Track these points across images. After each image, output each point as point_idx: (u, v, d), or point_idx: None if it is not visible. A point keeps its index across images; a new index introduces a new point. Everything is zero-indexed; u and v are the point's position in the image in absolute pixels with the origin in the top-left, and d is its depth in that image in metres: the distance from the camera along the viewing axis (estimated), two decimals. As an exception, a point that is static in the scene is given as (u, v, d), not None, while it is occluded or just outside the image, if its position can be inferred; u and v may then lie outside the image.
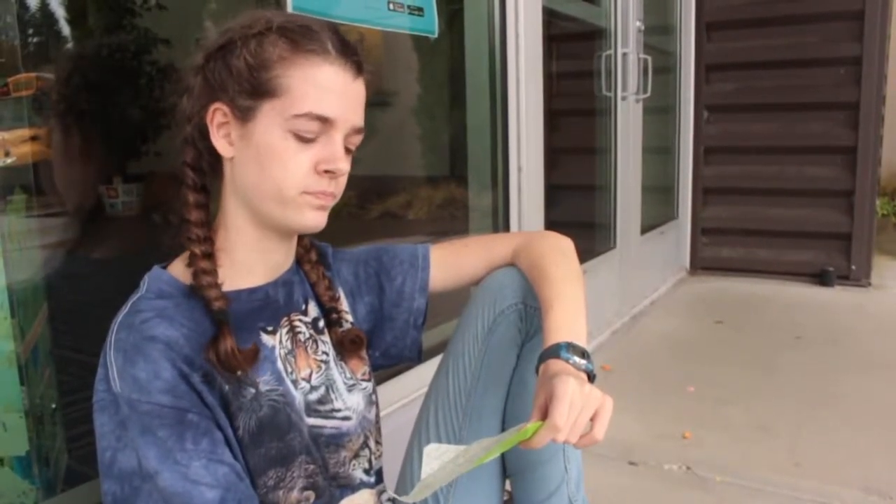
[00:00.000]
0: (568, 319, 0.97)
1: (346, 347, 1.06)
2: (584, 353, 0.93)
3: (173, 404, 0.83)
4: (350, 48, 0.90)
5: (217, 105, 0.88)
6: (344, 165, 0.90)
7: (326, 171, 0.89)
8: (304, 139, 0.87)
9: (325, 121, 0.88)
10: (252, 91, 0.87)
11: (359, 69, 0.91)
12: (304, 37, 0.87)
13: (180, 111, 0.92)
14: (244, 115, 0.88)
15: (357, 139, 0.94)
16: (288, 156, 0.87)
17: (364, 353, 1.10)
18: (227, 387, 0.89)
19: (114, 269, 1.34)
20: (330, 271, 1.09)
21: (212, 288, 0.89)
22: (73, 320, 1.27)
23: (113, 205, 1.54)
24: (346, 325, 1.08)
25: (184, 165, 0.92)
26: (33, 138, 1.26)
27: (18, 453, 1.11)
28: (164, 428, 0.83)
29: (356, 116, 0.92)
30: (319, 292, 1.05)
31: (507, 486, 1.15)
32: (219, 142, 0.89)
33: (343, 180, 0.94)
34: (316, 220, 0.92)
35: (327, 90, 0.87)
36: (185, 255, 0.92)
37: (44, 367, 1.19)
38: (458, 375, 1.12)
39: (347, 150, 0.92)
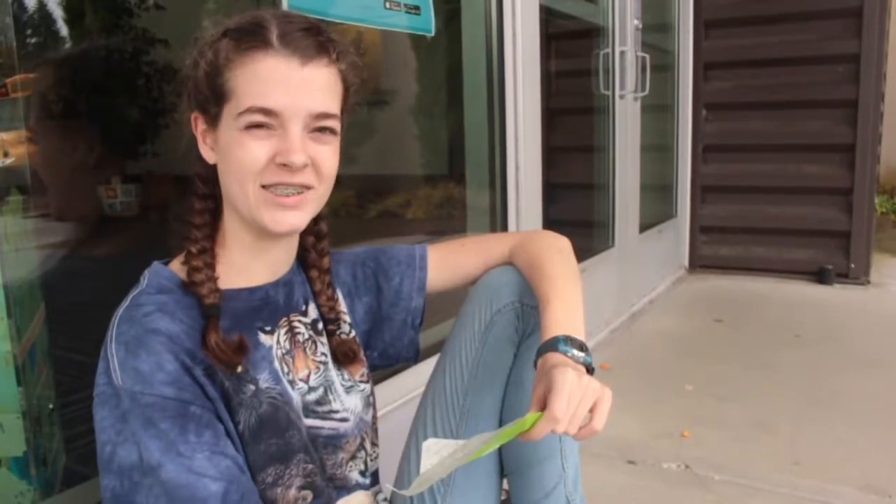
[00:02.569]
0: (566, 314, 0.97)
1: (339, 360, 1.06)
2: (582, 346, 0.93)
3: (176, 396, 0.83)
4: (299, 35, 0.87)
5: (195, 114, 0.92)
6: (297, 158, 0.86)
7: (284, 164, 0.87)
8: (258, 134, 0.86)
9: (269, 113, 0.86)
10: (214, 98, 0.88)
11: (310, 54, 0.87)
12: (247, 34, 0.87)
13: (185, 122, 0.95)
14: (213, 122, 0.90)
15: (328, 123, 0.90)
16: (243, 152, 0.87)
17: (361, 356, 1.10)
18: (227, 382, 0.89)
19: (112, 268, 1.34)
20: (328, 273, 1.09)
21: (203, 284, 0.90)
22: (70, 320, 1.27)
23: (112, 204, 1.54)
24: (344, 333, 1.08)
25: (195, 176, 0.95)
26: (31, 139, 1.26)
27: (16, 454, 1.11)
28: (167, 420, 0.83)
29: (312, 102, 0.88)
30: (321, 302, 1.06)
31: (505, 485, 1.15)
32: (204, 150, 0.92)
33: (319, 172, 0.90)
34: (284, 220, 0.90)
35: (269, 83, 0.86)
36: (184, 253, 0.93)
37: (41, 367, 1.19)
38: (455, 374, 1.12)
39: (322, 139, 0.89)
